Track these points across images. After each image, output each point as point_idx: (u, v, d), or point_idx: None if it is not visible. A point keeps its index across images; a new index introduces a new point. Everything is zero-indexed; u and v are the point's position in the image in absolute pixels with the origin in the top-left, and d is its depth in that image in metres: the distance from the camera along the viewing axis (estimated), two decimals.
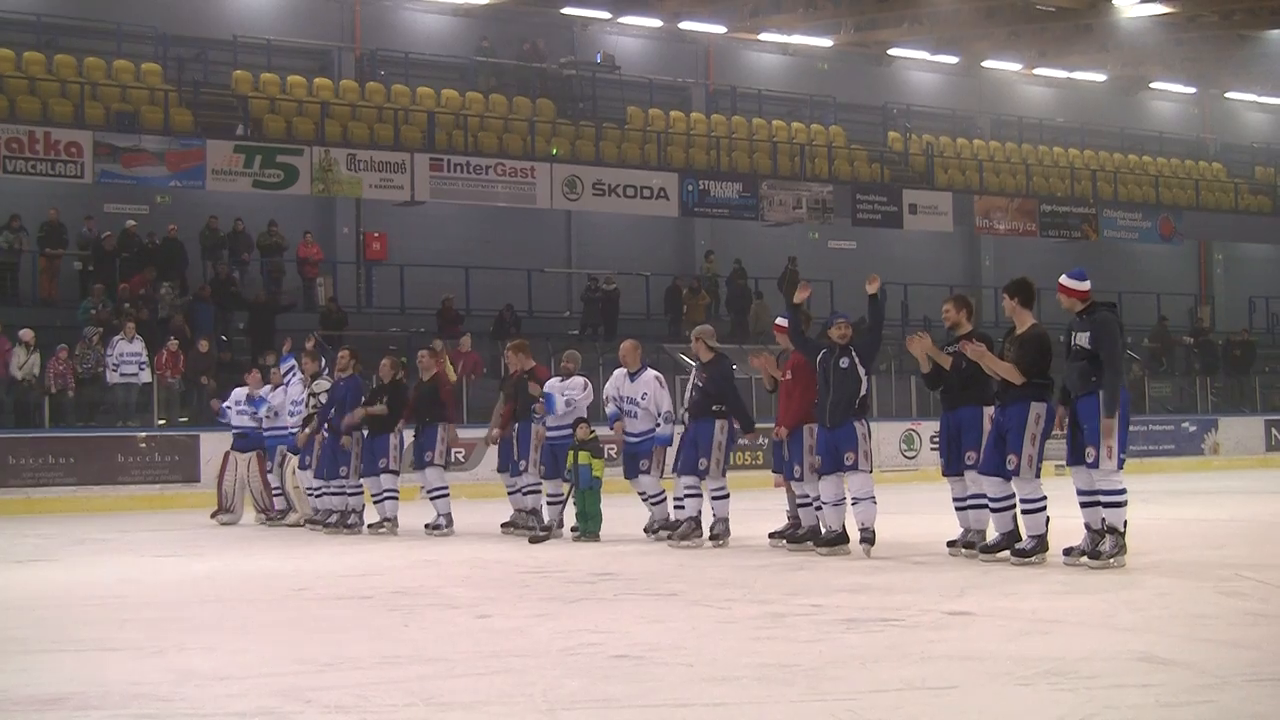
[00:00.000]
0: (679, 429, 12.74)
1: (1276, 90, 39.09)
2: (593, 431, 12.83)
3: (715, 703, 5.48)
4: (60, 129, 23.14)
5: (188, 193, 24.88)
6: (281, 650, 6.86)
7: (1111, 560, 9.53)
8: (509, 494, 14.02)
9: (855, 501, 10.88)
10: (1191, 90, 39.16)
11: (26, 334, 20.60)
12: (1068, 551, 9.77)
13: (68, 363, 20.56)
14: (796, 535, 11.58)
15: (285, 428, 15.65)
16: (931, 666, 6.07)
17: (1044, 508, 9.98)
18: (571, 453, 12.79)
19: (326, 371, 15.66)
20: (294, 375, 15.65)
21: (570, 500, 12.97)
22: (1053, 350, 10.00)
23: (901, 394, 25.98)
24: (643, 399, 12.61)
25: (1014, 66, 36.06)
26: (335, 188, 25.26)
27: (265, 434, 16.12)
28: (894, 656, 6.31)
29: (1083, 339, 9.61)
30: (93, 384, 20.97)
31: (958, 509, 10.68)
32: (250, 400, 16.45)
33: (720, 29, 31.53)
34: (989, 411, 10.20)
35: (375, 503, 14.42)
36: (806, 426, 11.24)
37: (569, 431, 12.94)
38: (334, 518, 14.58)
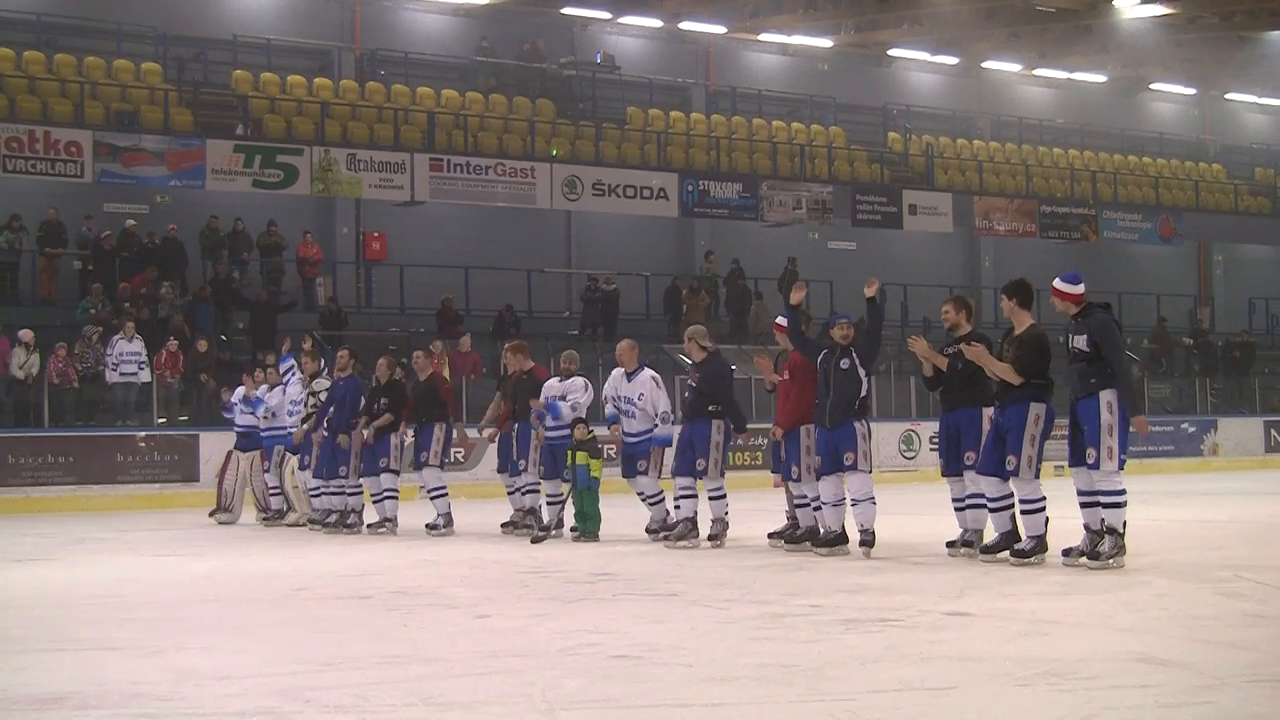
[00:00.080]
0: (677, 429, 12.73)
1: (1276, 92, 39.11)
2: (591, 432, 12.83)
3: (714, 703, 5.48)
4: (60, 128, 23.15)
5: (187, 192, 24.89)
6: (281, 650, 6.86)
7: (1110, 561, 9.53)
8: (508, 494, 14.04)
9: (855, 503, 10.88)
10: (1191, 91, 39.18)
11: (26, 334, 20.61)
12: (1067, 552, 9.77)
13: (67, 360, 20.57)
14: (794, 536, 11.59)
15: (284, 428, 15.66)
16: (930, 667, 6.07)
17: (1043, 508, 9.99)
18: (569, 453, 12.80)
19: (325, 371, 15.66)
20: (293, 375, 15.65)
21: (569, 500, 12.98)
22: (1051, 351, 10.01)
23: (901, 394, 26.00)
24: (639, 399, 12.61)
25: (1014, 67, 36.07)
26: (335, 188, 25.27)
27: (262, 434, 16.13)
28: (893, 657, 6.31)
29: (1080, 342, 9.63)
30: (92, 383, 20.98)
31: (957, 509, 10.69)
32: (247, 401, 16.47)
33: (720, 29, 31.53)
34: (988, 412, 10.21)
35: (375, 502, 14.42)
36: (804, 427, 11.24)
37: (568, 432, 12.94)
38: (333, 517, 14.58)
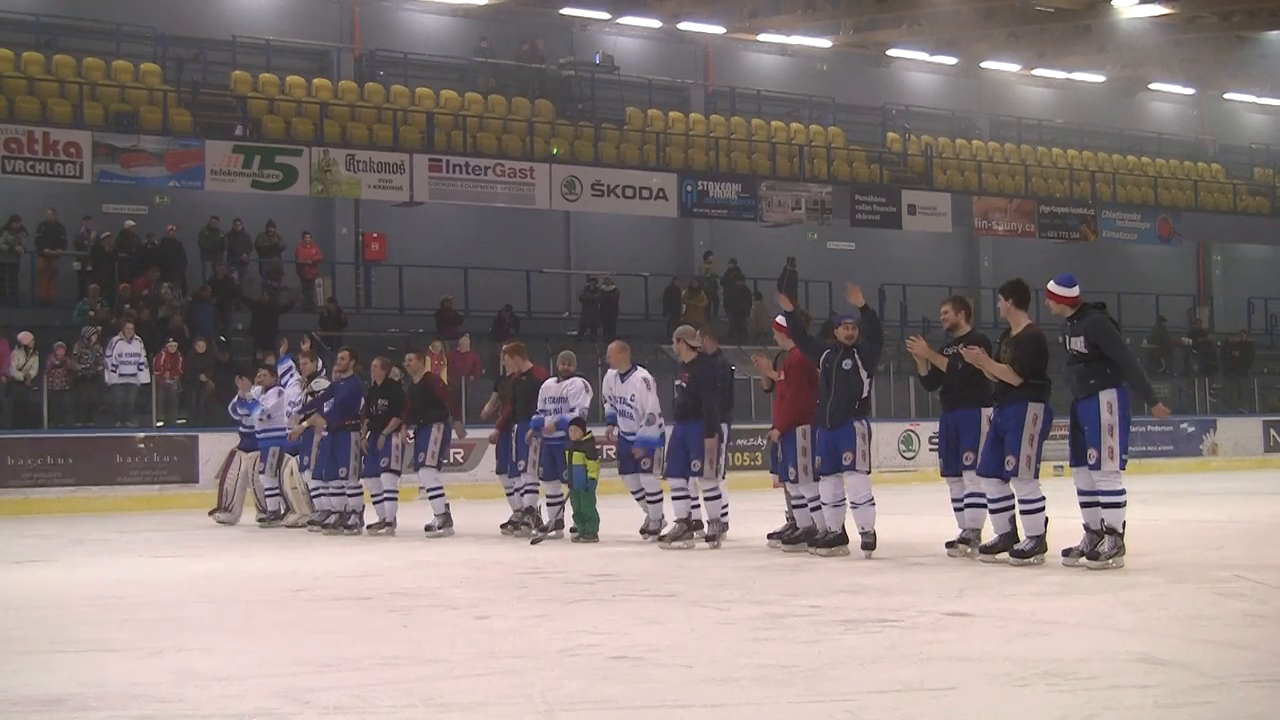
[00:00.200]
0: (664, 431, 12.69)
1: (1275, 91, 39.12)
2: (588, 433, 12.82)
3: (714, 704, 5.48)
4: (59, 129, 23.15)
5: (186, 193, 24.88)
6: (280, 651, 6.86)
7: (1110, 561, 9.54)
8: (507, 495, 14.05)
9: (854, 506, 10.89)
10: (1190, 91, 39.19)
11: (26, 337, 20.62)
12: (1066, 552, 9.78)
13: (65, 360, 20.57)
14: (792, 536, 11.58)
15: (281, 429, 15.70)
16: (930, 668, 6.07)
17: (1042, 508, 9.99)
18: (566, 454, 12.81)
19: (324, 372, 15.66)
20: (291, 376, 15.65)
21: (569, 502, 12.98)
22: (1049, 351, 10.01)
23: (900, 395, 25.99)
24: (632, 400, 12.61)
25: (1013, 67, 36.08)
26: (334, 188, 25.27)
27: (258, 435, 16.14)
28: (892, 657, 6.31)
29: (1077, 343, 9.64)
30: (91, 384, 20.98)
31: (956, 510, 10.70)
32: (242, 403, 16.49)
33: (719, 29, 31.54)
34: (987, 413, 10.21)
35: (375, 503, 14.43)
36: (800, 428, 11.23)
37: (566, 433, 12.94)
38: (333, 518, 14.58)
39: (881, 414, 24.39)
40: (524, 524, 13.59)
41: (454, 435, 14.76)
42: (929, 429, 24.10)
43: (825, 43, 33.03)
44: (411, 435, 14.32)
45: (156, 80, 25.71)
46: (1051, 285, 9.84)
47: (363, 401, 14.46)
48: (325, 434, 14.58)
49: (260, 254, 25.30)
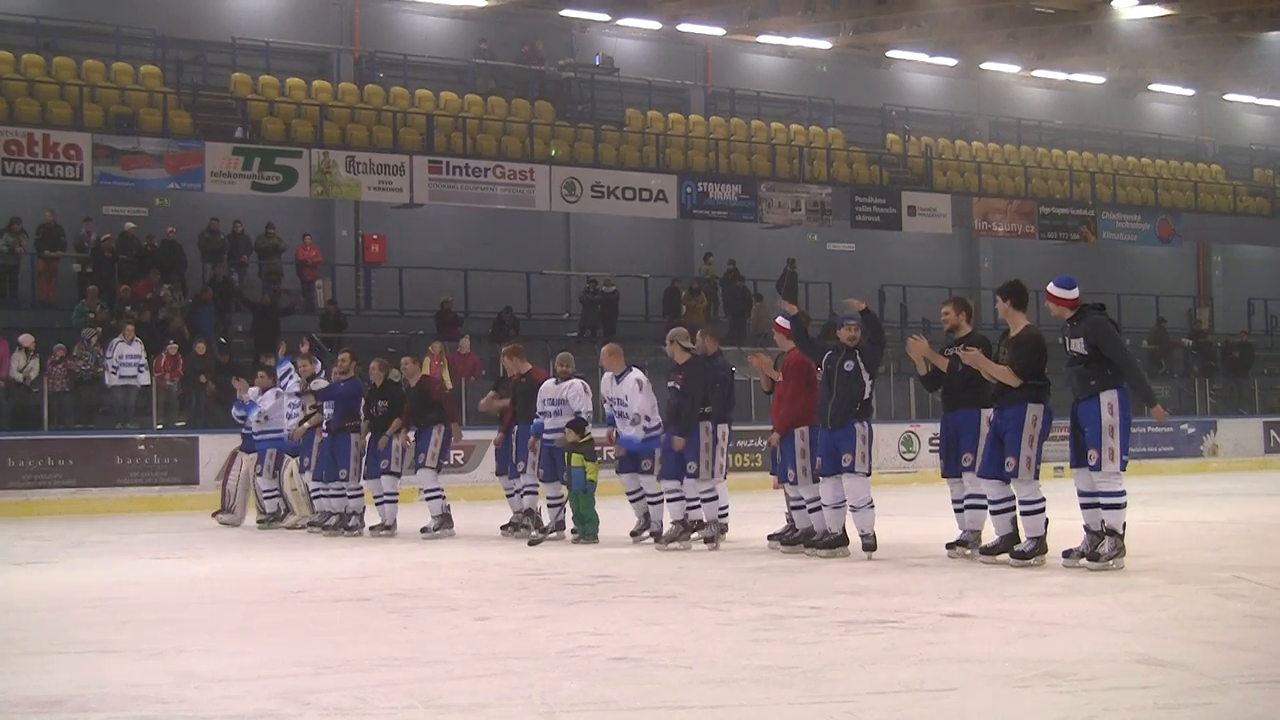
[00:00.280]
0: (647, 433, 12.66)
1: (1275, 92, 39.13)
2: (586, 434, 12.81)
3: (714, 705, 5.48)
4: (59, 131, 23.15)
5: (186, 195, 24.88)
6: (281, 652, 6.86)
7: (1110, 562, 9.54)
8: (507, 496, 14.06)
9: (854, 509, 10.89)
10: (1190, 92, 39.20)
11: (26, 339, 20.63)
12: (1067, 553, 9.77)
13: (64, 362, 20.57)
14: (790, 537, 11.57)
15: (278, 430, 15.74)
16: (930, 669, 6.07)
17: (1043, 509, 9.99)
18: (565, 456, 12.81)
19: (322, 374, 15.67)
20: (291, 378, 15.66)
21: (569, 503, 12.99)
22: (1048, 351, 10.02)
23: (900, 396, 26.00)
24: (626, 400, 12.62)
25: (1013, 68, 36.08)
26: (334, 190, 25.27)
27: (255, 437, 16.16)
28: (893, 659, 6.31)
29: (1077, 345, 9.64)
30: (91, 386, 20.98)
31: (956, 511, 10.70)
32: (239, 404, 16.50)
33: (719, 31, 31.54)
34: (987, 414, 10.21)
35: (377, 505, 14.45)
36: (798, 429, 11.22)
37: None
38: (333, 520, 14.59)
39: (882, 415, 24.35)
40: (524, 526, 13.60)
41: (452, 438, 14.74)
42: (929, 430, 24.11)
43: (825, 44, 33.03)
44: (412, 438, 14.34)
45: (156, 82, 25.72)
46: (1051, 287, 9.84)
47: (363, 403, 14.47)
48: (325, 435, 14.60)
49: (260, 256, 25.30)
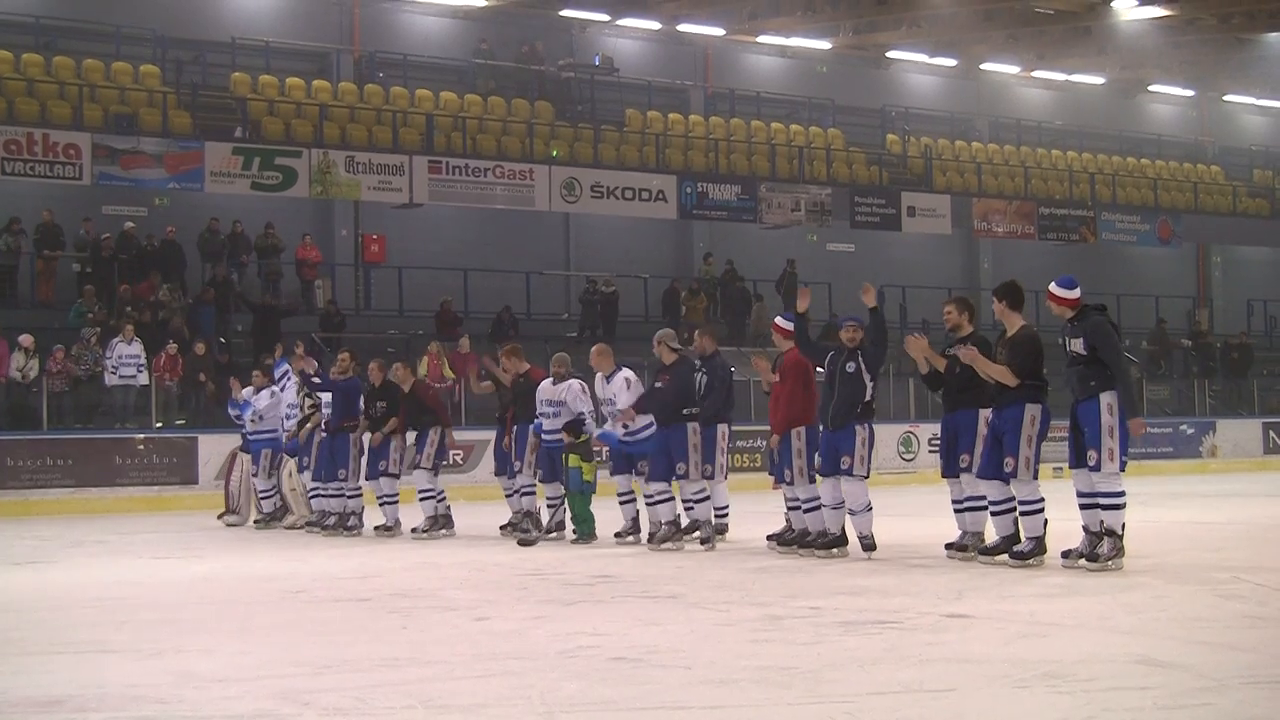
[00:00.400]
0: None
1: (1275, 93, 39.13)
2: (583, 435, 12.81)
3: (713, 705, 5.48)
4: (59, 131, 23.15)
5: (186, 195, 24.88)
6: (280, 652, 6.86)
7: (1109, 563, 9.54)
8: (506, 496, 14.06)
9: (852, 513, 10.90)
10: (1190, 93, 39.21)
11: (26, 339, 20.63)
12: (1066, 554, 9.78)
13: (64, 362, 20.56)
14: (786, 538, 11.56)
15: (273, 430, 15.76)
16: (929, 669, 6.07)
17: (1041, 509, 9.99)
18: (564, 456, 12.82)
19: (316, 376, 15.64)
20: (289, 380, 15.66)
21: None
22: (1044, 351, 10.02)
23: (900, 396, 26.00)
24: (615, 399, 12.63)
25: (1012, 69, 36.08)
26: (334, 190, 25.27)
27: (250, 437, 16.16)
28: (892, 659, 6.31)
29: (1077, 345, 9.64)
30: (90, 385, 20.98)
31: (956, 511, 10.70)
32: (234, 404, 16.50)
33: (719, 31, 31.54)
34: (985, 414, 10.21)
35: (379, 505, 14.47)
36: (794, 430, 11.22)
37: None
38: (333, 520, 14.59)
39: (881, 415, 24.29)
40: (524, 527, 13.59)
41: (448, 440, 14.68)
42: (928, 430, 24.13)
43: (825, 44, 33.03)
44: (413, 438, 14.34)
45: (156, 82, 25.72)
46: (1052, 287, 9.85)
47: (362, 403, 14.48)
48: (324, 435, 14.62)
49: (260, 256, 25.30)
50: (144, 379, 20.97)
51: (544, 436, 13.18)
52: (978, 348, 10.13)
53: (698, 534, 12.16)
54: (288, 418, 15.51)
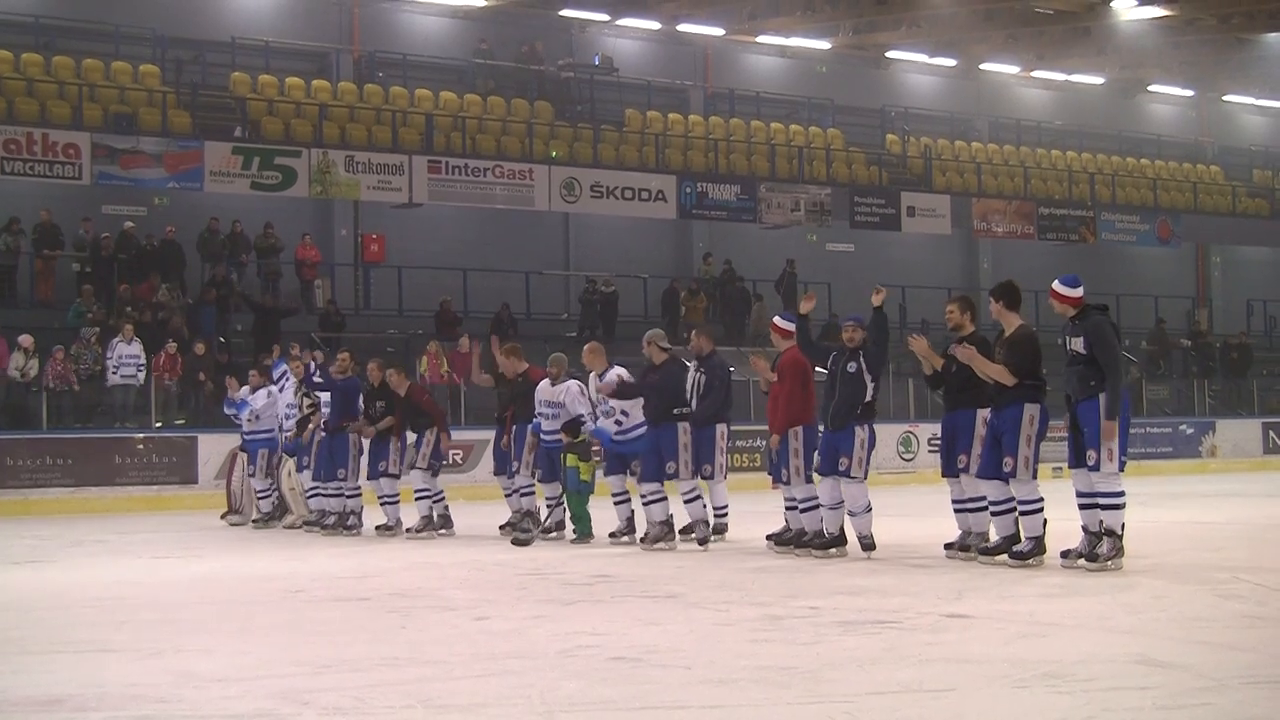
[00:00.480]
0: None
1: (1274, 93, 39.12)
2: (581, 435, 12.80)
3: (712, 705, 5.48)
4: (58, 130, 23.14)
5: (186, 194, 24.88)
6: (279, 652, 6.86)
7: (1109, 563, 9.53)
8: (506, 496, 14.07)
9: (852, 514, 10.90)
10: (1189, 93, 39.20)
11: (26, 340, 20.63)
12: (1065, 554, 9.78)
13: (64, 363, 20.56)
14: (783, 538, 11.56)
15: (269, 430, 15.77)
16: (929, 669, 6.07)
17: (1041, 509, 9.99)
18: (562, 456, 12.83)
19: (317, 373, 15.65)
20: (287, 380, 15.66)
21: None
22: (1042, 351, 10.02)
23: (899, 395, 25.99)
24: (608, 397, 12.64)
25: (1012, 69, 36.08)
26: (333, 190, 25.26)
27: (246, 437, 16.17)
28: (891, 659, 6.31)
29: (1077, 344, 9.63)
30: (90, 385, 20.98)
31: (956, 511, 10.69)
32: (230, 403, 16.50)
33: (718, 31, 31.54)
34: (983, 414, 10.20)
35: (380, 505, 14.48)
36: (791, 430, 11.22)
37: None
38: (333, 519, 14.60)
39: (881, 415, 24.32)
40: (524, 527, 13.57)
41: (443, 443, 14.64)
42: (928, 430, 24.12)
43: (824, 44, 33.03)
44: (411, 440, 14.34)
45: (155, 82, 25.71)
46: (1056, 284, 9.84)
47: (361, 403, 14.48)
48: (323, 434, 14.63)
49: (259, 255, 25.30)
50: (144, 378, 20.95)
51: (543, 436, 13.19)
52: (978, 347, 10.12)
53: (694, 535, 12.14)
54: (287, 418, 15.51)
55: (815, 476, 11.08)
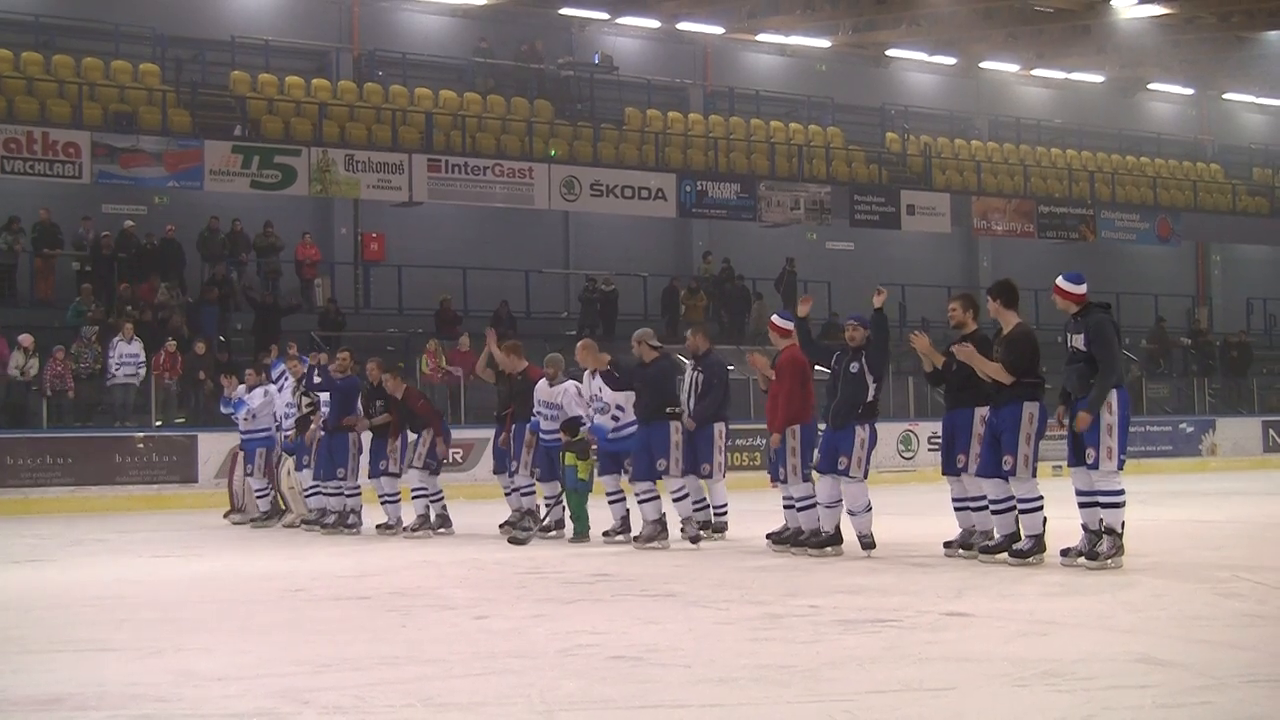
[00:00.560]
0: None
1: (1274, 91, 39.11)
2: (579, 434, 12.81)
3: (712, 703, 5.48)
4: (58, 129, 23.14)
5: (186, 193, 24.88)
6: (279, 651, 6.86)
7: (1109, 561, 9.54)
8: (505, 495, 14.07)
9: (851, 514, 10.91)
10: (1189, 91, 39.19)
11: (26, 339, 20.62)
12: (1065, 552, 9.78)
13: (64, 363, 20.55)
14: (781, 536, 11.56)
15: (266, 429, 15.76)
16: (929, 668, 6.07)
17: (1040, 507, 9.99)
18: (560, 455, 12.83)
19: (316, 373, 15.66)
20: (285, 380, 15.67)
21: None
22: (1039, 348, 10.02)
23: (900, 394, 25.97)
24: (601, 392, 12.64)
25: (1012, 67, 36.07)
26: (333, 188, 25.26)
27: (244, 436, 16.17)
28: (891, 658, 6.31)
29: (1079, 341, 9.64)
30: (90, 384, 20.97)
31: (956, 509, 10.69)
32: (226, 402, 16.51)
33: (718, 30, 31.53)
34: (982, 413, 10.19)
35: (381, 504, 14.49)
36: (789, 428, 11.22)
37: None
38: (332, 518, 14.60)
39: (881, 414, 24.32)
40: (524, 526, 13.58)
41: (439, 445, 14.63)
42: (928, 429, 24.12)
43: (824, 43, 33.02)
44: (411, 440, 14.34)
45: (155, 80, 25.71)
46: (1060, 281, 9.85)
47: (360, 402, 14.49)
48: (322, 433, 14.64)
49: (259, 254, 25.30)
50: (144, 377, 20.96)
51: (542, 436, 13.20)
52: (978, 345, 10.13)
53: (686, 533, 12.14)
54: (285, 417, 15.52)
55: (814, 475, 11.09)
